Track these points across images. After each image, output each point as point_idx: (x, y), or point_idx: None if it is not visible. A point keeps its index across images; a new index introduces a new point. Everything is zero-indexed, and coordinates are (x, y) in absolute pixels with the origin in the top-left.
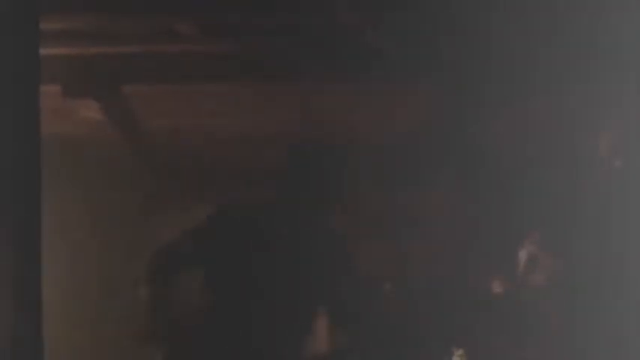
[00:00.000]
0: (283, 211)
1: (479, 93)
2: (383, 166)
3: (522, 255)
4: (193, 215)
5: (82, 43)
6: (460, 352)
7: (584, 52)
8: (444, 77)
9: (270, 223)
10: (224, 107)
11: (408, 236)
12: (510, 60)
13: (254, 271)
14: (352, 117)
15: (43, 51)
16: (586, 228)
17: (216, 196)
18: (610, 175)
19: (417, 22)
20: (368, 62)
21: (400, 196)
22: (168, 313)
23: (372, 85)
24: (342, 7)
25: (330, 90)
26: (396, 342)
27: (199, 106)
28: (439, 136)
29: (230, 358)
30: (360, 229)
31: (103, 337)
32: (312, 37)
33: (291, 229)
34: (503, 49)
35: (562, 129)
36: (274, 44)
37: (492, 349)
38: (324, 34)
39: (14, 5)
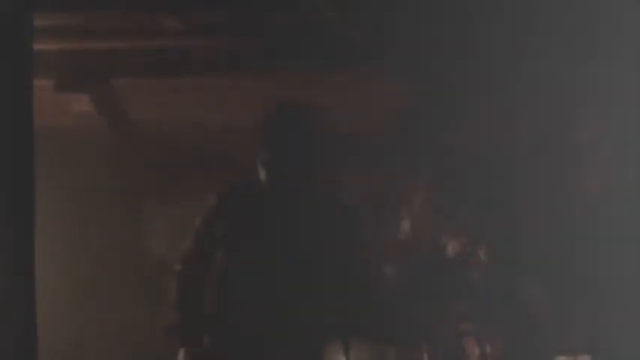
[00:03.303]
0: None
1: (459, 86)
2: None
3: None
4: (183, 205)
5: (73, 39)
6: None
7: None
8: (422, 70)
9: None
10: (213, 100)
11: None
12: (491, 54)
13: (271, 252)
14: (334, 109)
15: (37, 46)
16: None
17: (204, 187)
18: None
19: (396, 16)
20: (348, 56)
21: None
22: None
23: (353, 77)
24: (324, 2)
25: (312, 82)
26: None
27: (188, 98)
28: (416, 129)
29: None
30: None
31: (95, 329)
32: (296, 32)
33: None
34: (483, 43)
35: (539, 122)
36: (260, 39)
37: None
38: (307, 29)
39: (10, 3)
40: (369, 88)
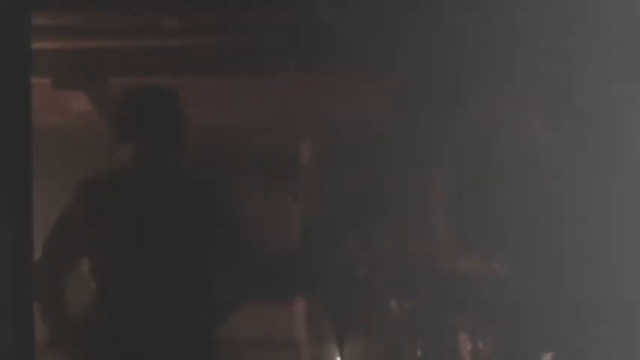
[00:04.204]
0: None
1: (452, 87)
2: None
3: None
4: None
5: (71, 38)
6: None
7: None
8: (417, 70)
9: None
10: (213, 100)
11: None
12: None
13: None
14: (331, 108)
15: (35, 45)
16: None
17: None
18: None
19: (395, 17)
20: (348, 56)
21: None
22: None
23: (351, 77)
24: (322, 2)
25: (310, 83)
26: None
27: (188, 98)
28: (410, 128)
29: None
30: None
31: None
32: (296, 32)
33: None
34: (482, 41)
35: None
36: (260, 39)
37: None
38: (307, 29)
39: (9, 3)
40: (369, 88)
